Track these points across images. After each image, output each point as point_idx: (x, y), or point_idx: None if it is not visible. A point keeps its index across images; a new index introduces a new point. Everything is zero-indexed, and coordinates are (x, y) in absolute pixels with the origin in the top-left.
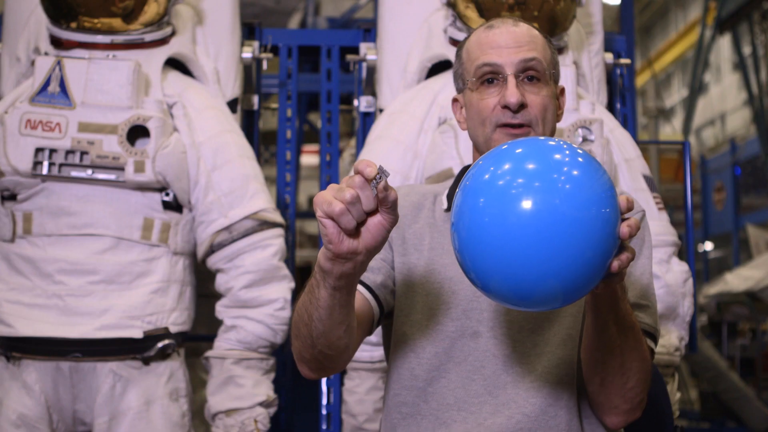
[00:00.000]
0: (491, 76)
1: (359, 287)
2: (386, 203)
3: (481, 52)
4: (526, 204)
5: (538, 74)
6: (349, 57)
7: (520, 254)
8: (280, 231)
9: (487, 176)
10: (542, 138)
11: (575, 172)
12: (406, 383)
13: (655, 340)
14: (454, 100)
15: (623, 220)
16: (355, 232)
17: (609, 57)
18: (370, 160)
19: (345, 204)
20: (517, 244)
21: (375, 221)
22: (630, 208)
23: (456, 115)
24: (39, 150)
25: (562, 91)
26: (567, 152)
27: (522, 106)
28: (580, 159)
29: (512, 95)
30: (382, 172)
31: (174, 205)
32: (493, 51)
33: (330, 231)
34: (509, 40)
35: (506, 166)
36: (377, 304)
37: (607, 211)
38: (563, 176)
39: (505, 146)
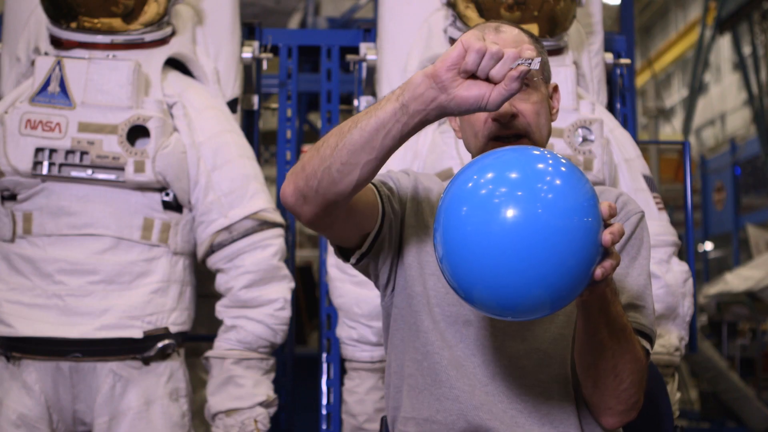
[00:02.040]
0: None
1: (377, 193)
2: (508, 83)
3: None
4: (509, 213)
5: (526, 80)
6: (349, 57)
7: (503, 263)
8: (280, 231)
9: (470, 185)
10: (526, 147)
11: (558, 182)
12: (410, 356)
13: (650, 340)
14: None
15: (606, 227)
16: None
17: (609, 57)
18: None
19: (486, 50)
20: (500, 253)
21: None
22: (612, 215)
23: (452, 123)
24: (39, 150)
25: (555, 88)
26: (550, 161)
27: (513, 117)
28: (562, 168)
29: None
30: (531, 62)
31: (174, 205)
32: None
33: (455, 54)
34: None
35: (489, 175)
36: (381, 220)
37: (589, 219)
38: (546, 185)
39: (489, 155)
